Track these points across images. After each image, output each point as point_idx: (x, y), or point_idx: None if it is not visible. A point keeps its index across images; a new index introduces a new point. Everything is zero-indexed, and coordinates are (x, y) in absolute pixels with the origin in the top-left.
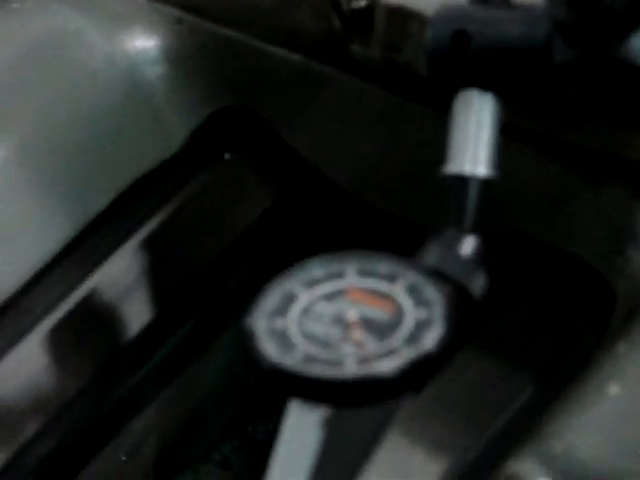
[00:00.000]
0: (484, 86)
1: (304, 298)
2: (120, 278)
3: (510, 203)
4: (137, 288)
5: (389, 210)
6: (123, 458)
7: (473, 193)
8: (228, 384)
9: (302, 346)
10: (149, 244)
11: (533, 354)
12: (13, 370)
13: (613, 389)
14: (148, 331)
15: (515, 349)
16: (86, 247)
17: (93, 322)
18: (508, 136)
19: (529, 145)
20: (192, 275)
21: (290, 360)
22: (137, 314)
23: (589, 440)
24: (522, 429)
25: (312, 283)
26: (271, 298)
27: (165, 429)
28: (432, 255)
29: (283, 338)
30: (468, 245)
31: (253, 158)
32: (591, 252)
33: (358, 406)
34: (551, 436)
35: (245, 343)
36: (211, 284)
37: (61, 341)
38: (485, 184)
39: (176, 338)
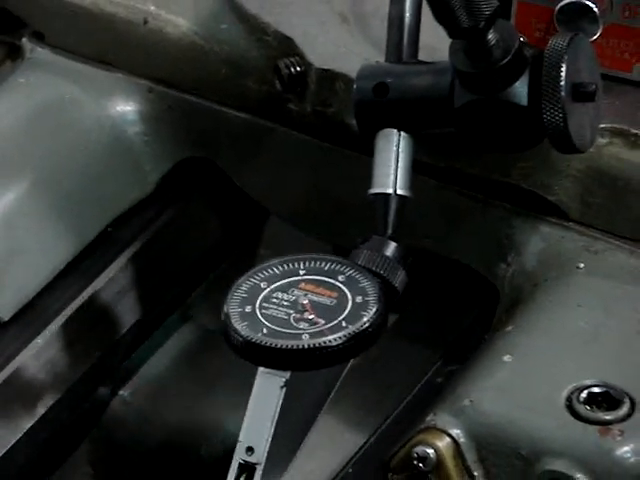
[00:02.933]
0: (400, 126)
1: (266, 290)
2: (108, 290)
3: (414, 225)
4: (121, 297)
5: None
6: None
7: (393, 208)
8: None
9: (267, 325)
10: (132, 263)
11: (438, 338)
12: (31, 357)
13: (506, 358)
14: (131, 328)
15: (424, 335)
16: (82, 266)
17: (90, 321)
18: (414, 170)
19: (431, 177)
20: (163, 287)
21: (258, 335)
22: (122, 316)
23: (490, 397)
24: (433, 395)
25: (272, 278)
26: (241, 290)
27: None
28: (363, 256)
29: (252, 320)
30: (390, 248)
31: (210, 197)
32: (479, 261)
33: (312, 370)
34: (460, 395)
35: (223, 326)
36: (176, 295)
37: (67, 335)
38: (402, 201)
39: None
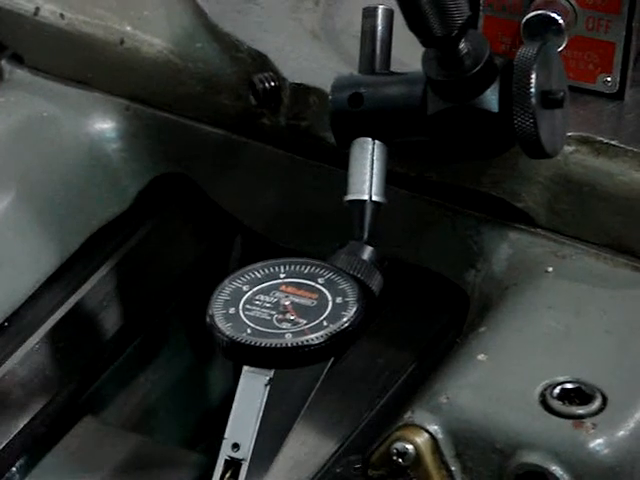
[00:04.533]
0: (374, 135)
1: (249, 293)
2: (91, 299)
3: (385, 234)
4: (104, 306)
5: (292, 247)
6: None
7: (369, 214)
8: None
9: (251, 325)
10: (113, 273)
11: (412, 341)
12: (19, 363)
13: (481, 356)
14: (114, 335)
15: (396, 340)
16: (66, 277)
17: (75, 329)
18: (387, 181)
19: (401, 187)
20: (144, 296)
21: (243, 335)
22: (105, 323)
23: (466, 393)
24: (409, 394)
25: (254, 281)
26: (224, 293)
27: None
28: (341, 260)
29: (236, 321)
30: (367, 252)
31: (185, 211)
32: (449, 268)
33: (294, 368)
34: (436, 393)
35: (207, 327)
36: (155, 303)
37: (54, 341)
38: (377, 207)
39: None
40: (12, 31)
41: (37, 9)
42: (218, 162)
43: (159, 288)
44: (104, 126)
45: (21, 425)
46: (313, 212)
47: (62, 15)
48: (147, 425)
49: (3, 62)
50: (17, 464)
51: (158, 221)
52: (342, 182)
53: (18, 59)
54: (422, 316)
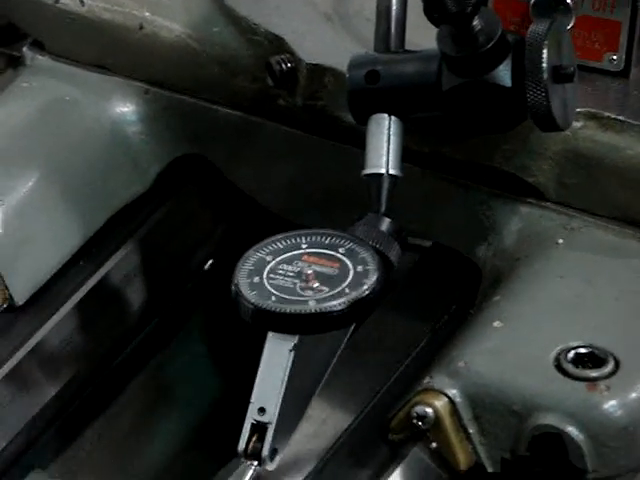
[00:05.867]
0: (391, 111)
1: (272, 262)
2: (116, 274)
3: (398, 210)
4: (128, 281)
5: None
6: None
7: (386, 187)
8: None
9: (275, 293)
10: (135, 250)
11: (425, 315)
12: (48, 335)
13: (496, 323)
14: (138, 308)
15: (410, 312)
16: (90, 254)
17: (101, 302)
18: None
19: (415, 164)
20: (165, 271)
21: (268, 302)
22: (129, 297)
23: (483, 359)
24: (425, 364)
25: (276, 252)
26: (248, 263)
27: None
28: (360, 231)
29: (261, 289)
30: (385, 224)
31: (203, 191)
32: (461, 243)
33: (317, 333)
34: (454, 358)
35: (233, 296)
36: (176, 278)
37: (81, 314)
38: (394, 180)
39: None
40: (33, 18)
41: None
42: (235, 143)
43: (179, 264)
44: (124, 109)
45: (53, 393)
46: (329, 190)
47: (82, 2)
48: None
49: (25, 49)
50: (49, 432)
51: (177, 201)
52: (357, 160)
53: (39, 45)
54: (435, 289)
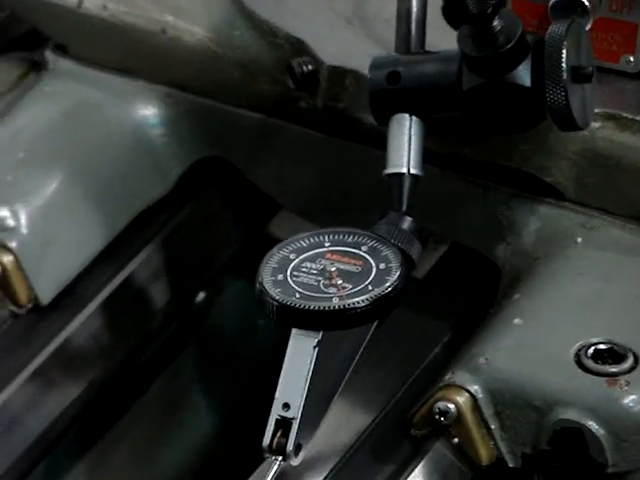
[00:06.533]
0: (412, 111)
1: (296, 260)
2: (139, 274)
3: (418, 210)
4: (151, 281)
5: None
6: None
7: (407, 186)
8: None
9: (299, 290)
10: (159, 251)
11: (445, 314)
12: (74, 333)
13: (517, 321)
14: (163, 307)
15: (431, 311)
16: (115, 254)
17: (126, 301)
18: None
19: (434, 165)
20: (187, 272)
21: (292, 299)
22: (154, 296)
23: (503, 355)
24: (445, 361)
25: (300, 250)
26: (272, 261)
27: None
28: (382, 229)
29: (285, 286)
30: (406, 222)
31: (224, 192)
32: (480, 243)
33: (341, 330)
34: (475, 355)
35: (257, 293)
36: (199, 278)
37: (106, 313)
38: (415, 179)
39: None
40: (56, 22)
41: (80, 1)
42: (256, 145)
43: (201, 265)
44: (147, 112)
45: (77, 393)
46: (349, 192)
47: (105, 6)
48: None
49: (48, 52)
50: (72, 431)
51: (199, 202)
52: (378, 162)
53: (62, 49)
54: (455, 288)
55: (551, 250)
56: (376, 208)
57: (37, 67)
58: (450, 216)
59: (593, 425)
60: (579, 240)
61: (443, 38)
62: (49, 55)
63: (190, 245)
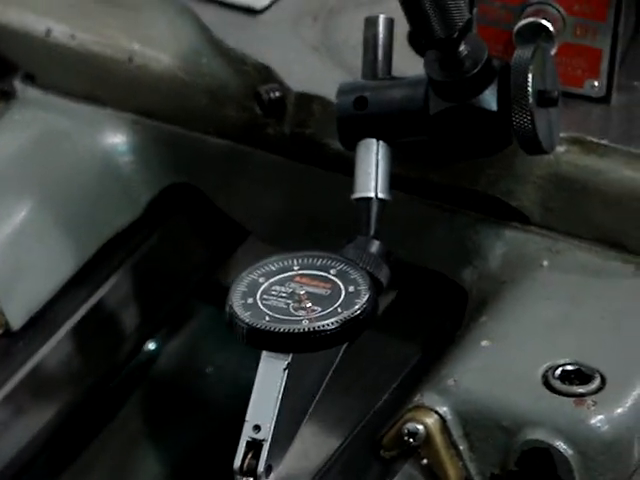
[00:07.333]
0: (379, 135)
1: (265, 284)
2: (109, 300)
3: (386, 235)
4: (121, 306)
5: None
6: None
7: (375, 210)
8: None
9: (269, 313)
10: (128, 277)
11: (412, 337)
12: (45, 358)
13: (484, 343)
14: (133, 331)
15: (398, 335)
16: (84, 280)
17: (96, 326)
18: None
19: (401, 190)
20: (158, 297)
21: (262, 322)
22: (124, 321)
23: (472, 376)
24: (414, 384)
25: (269, 274)
26: (242, 285)
27: None
28: (350, 253)
29: (254, 310)
30: (374, 246)
31: (193, 219)
32: (447, 267)
33: (311, 352)
34: (444, 376)
35: (227, 317)
36: (168, 303)
37: (77, 338)
38: (383, 204)
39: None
40: (24, 51)
41: (49, 30)
42: (224, 172)
43: (170, 290)
44: (115, 140)
45: (48, 417)
46: (317, 217)
47: (73, 35)
48: None
49: (16, 82)
50: (43, 456)
51: (168, 229)
52: (345, 187)
53: (30, 78)
54: (422, 312)
55: (517, 274)
56: (344, 234)
57: (6, 96)
58: (417, 241)
59: (561, 445)
60: (545, 264)
61: (409, 65)
62: (17, 84)
63: (159, 271)
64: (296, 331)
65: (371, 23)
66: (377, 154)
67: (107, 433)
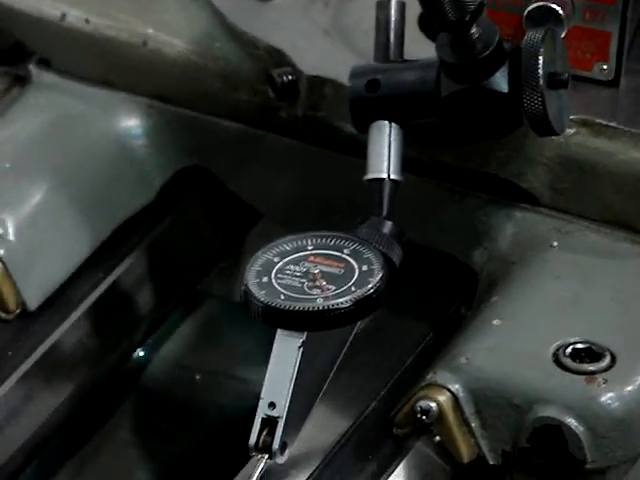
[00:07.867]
0: (391, 118)
1: (280, 263)
2: (124, 281)
3: (397, 217)
4: (135, 288)
5: None
6: None
7: (387, 191)
8: None
9: (283, 292)
10: (142, 259)
11: (423, 317)
12: (61, 338)
13: (495, 322)
14: (148, 312)
15: (410, 315)
16: (100, 262)
17: (111, 307)
18: None
19: (412, 172)
20: (172, 278)
21: (277, 300)
22: (138, 303)
23: (484, 355)
24: (425, 363)
25: (283, 254)
26: (257, 264)
27: None
28: (363, 233)
29: (269, 288)
30: (387, 227)
31: (206, 202)
32: (457, 248)
33: (325, 330)
34: (456, 355)
35: (243, 296)
36: (183, 285)
37: (92, 319)
38: (395, 184)
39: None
40: (39, 36)
41: (63, 15)
42: (237, 155)
43: (183, 271)
44: (129, 123)
45: (63, 397)
46: (329, 200)
47: (87, 20)
48: None
49: (31, 67)
50: (59, 435)
51: (181, 211)
52: (357, 170)
53: (45, 63)
54: (433, 293)
55: (527, 255)
56: (356, 216)
57: (21, 81)
58: (427, 222)
59: (572, 422)
60: (555, 244)
61: (421, 48)
62: (33, 69)
63: (172, 252)
64: (311, 309)
65: (383, 6)
66: (389, 136)
67: (98, 437)
